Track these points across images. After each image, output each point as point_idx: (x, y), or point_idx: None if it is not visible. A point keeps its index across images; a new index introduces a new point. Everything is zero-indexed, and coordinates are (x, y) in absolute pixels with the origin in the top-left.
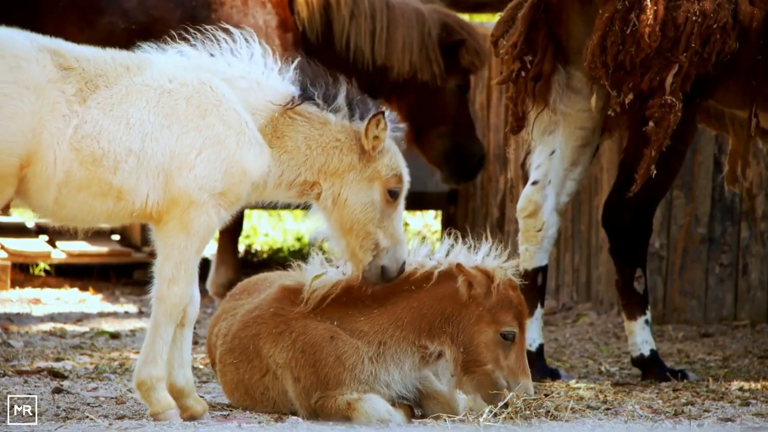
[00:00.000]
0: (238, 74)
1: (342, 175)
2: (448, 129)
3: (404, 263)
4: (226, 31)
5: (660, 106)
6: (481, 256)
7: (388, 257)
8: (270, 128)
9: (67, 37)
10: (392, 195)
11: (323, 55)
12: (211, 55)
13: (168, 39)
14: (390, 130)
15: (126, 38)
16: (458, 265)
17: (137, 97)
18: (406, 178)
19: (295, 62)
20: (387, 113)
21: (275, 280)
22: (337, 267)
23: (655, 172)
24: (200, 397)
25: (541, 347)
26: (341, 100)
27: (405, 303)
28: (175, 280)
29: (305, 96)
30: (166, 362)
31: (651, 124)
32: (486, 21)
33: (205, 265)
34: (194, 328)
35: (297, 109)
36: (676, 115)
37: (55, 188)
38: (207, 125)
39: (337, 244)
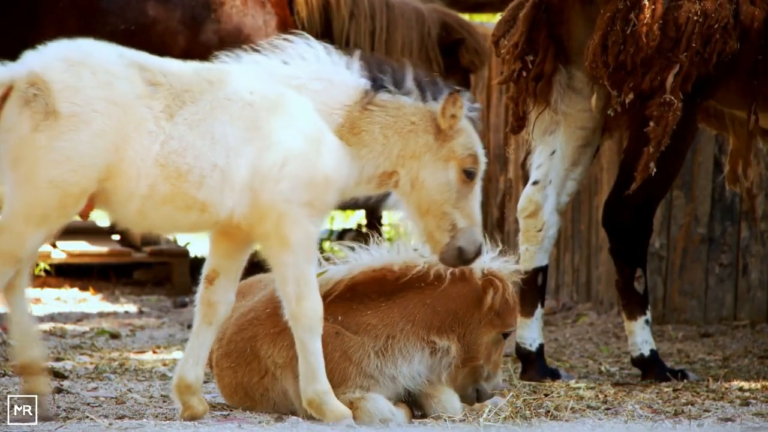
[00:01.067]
0: (311, 78)
1: (419, 157)
2: None
3: (481, 245)
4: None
5: (660, 105)
6: (488, 257)
7: (464, 238)
8: (347, 126)
9: (66, 37)
10: (468, 175)
11: None
12: (285, 62)
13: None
14: (466, 109)
15: (126, 39)
16: (491, 277)
17: (221, 112)
18: (483, 158)
19: (358, 53)
20: (462, 92)
21: (270, 281)
22: (335, 264)
23: (654, 170)
24: (203, 397)
25: (541, 347)
26: (410, 82)
27: (417, 299)
28: (301, 296)
29: (377, 85)
30: (185, 354)
31: (651, 123)
32: (486, 21)
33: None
34: None
35: (372, 100)
36: (675, 113)
37: (137, 201)
38: (288, 137)
39: (415, 227)
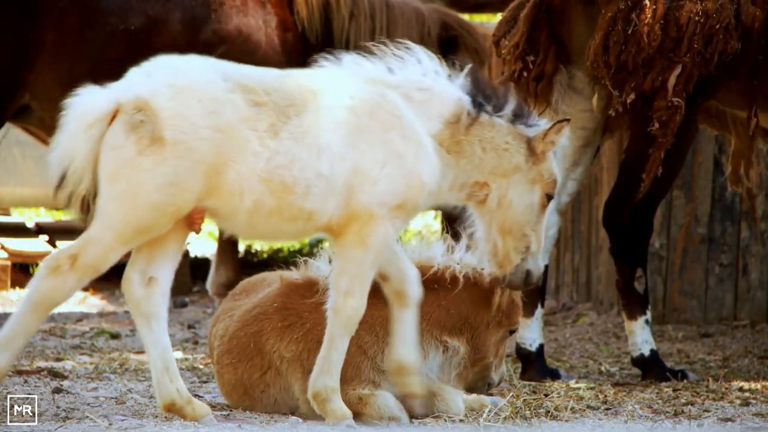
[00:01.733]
0: (412, 84)
1: (508, 177)
2: None
3: (541, 272)
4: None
5: (666, 107)
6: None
7: (532, 262)
8: (447, 133)
9: (67, 37)
10: (548, 199)
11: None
12: (388, 67)
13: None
14: (565, 138)
15: (126, 38)
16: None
17: (325, 121)
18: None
19: (467, 69)
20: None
21: (274, 280)
22: None
23: (661, 171)
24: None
25: (541, 347)
26: (510, 105)
27: (433, 298)
28: (351, 292)
29: (476, 102)
30: (389, 342)
31: (656, 125)
32: (486, 21)
33: (205, 264)
34: (194, 327)
35: (474, 116)
36: (681, 115)
37: (244, 215)
38: (388, 140)
39: (488, 244)
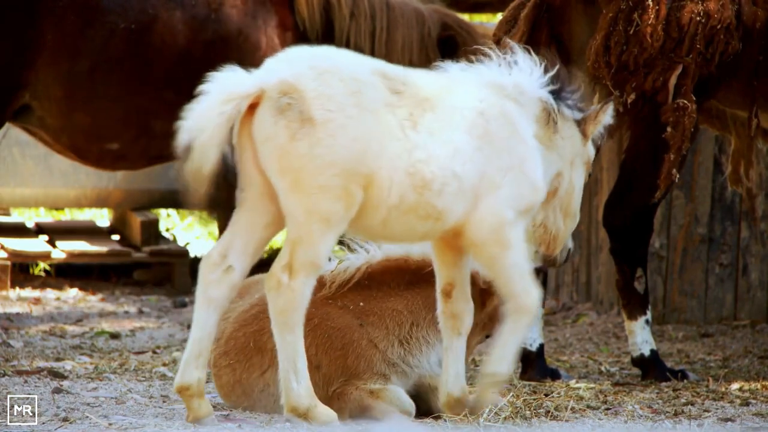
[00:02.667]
0: (518, 89)
1: (572, 162)
2: None
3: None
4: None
5: (674, 110)
6: None
7: (570, 239)
8: (541, 132)
9: (66, 37)
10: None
11: None
12: (499, 71)
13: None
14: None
15: (126, 38)
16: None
17: (457, 120)
18: None
19: (556, 69)
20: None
21: None
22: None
23: (677, 176)
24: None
25: (541, 347)
26: (575, 94)
27: (433, 294)
28: (529, 289)
29: (557, 98)
30: (445, 370)
31: (669, 129)
32: (486, 21)
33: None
34: None
35: (558, 110)
36: (691, 117)
37: (385, 211)
38: (511, 147)
39: (554, 229)
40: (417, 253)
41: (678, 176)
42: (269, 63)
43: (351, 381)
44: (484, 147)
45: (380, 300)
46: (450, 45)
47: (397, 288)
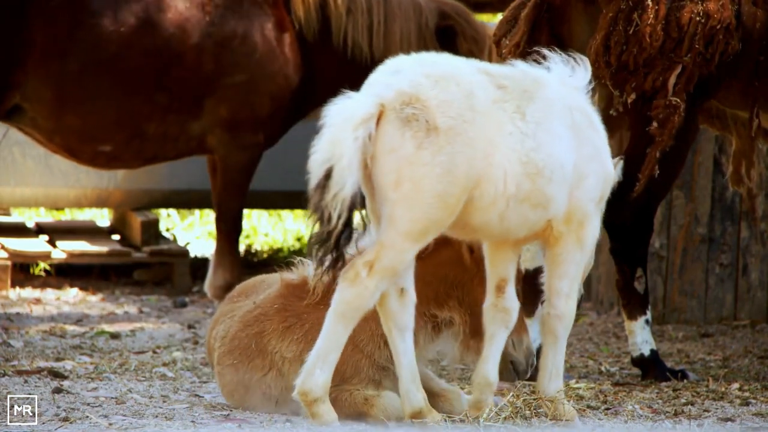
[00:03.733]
0: (580, 81)
1: None
2: None
3: None
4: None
5: (665, 107)
6: None
7: None
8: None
9: (57, 39)
10: None
11: (321, 52)
12: (569, 68)
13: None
14: None
15: (117, 40)
16: None
17: (553, 111)
18: None
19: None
20: None
21: (274, 281)
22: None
23: (658, 172)
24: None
25: (541, 347)
26: None
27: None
28: (570, 295)
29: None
30: (484, 356)
31: (655, 124)
32: (486, 21)
33: (205, 264)
34: (194, 327)
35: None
36: (680, 116)
37: (504, 203)
38: (591, 136)
39: None
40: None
41: (658, 171)
42: (376, 77)
43: (342, 386)
44: (574, 137)
45: None
46: (448, 34)
47: None
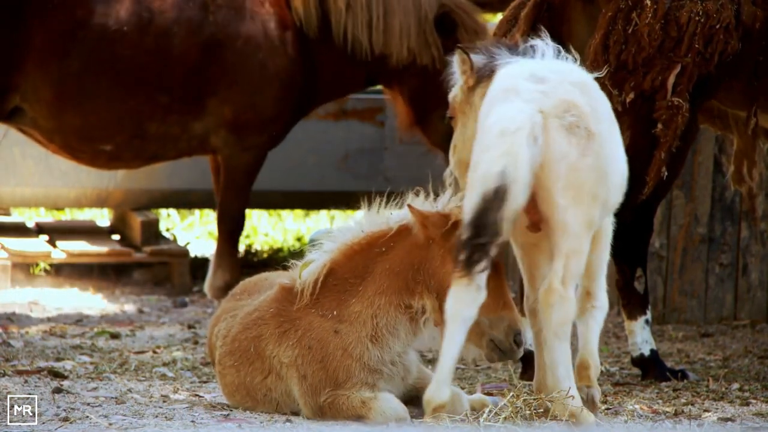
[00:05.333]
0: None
1: None
2: None
3: None
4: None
5: (667, 107)
6: (441, 203)
7: None
8: None
9: (56, 39)
10: None
11: (322, 49)
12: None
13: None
14: None
15: (118, 40)
16: (408, 206)
17: (604, 109)
18: None
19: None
20: None
21: (276, 279)
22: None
23: (666, 173)
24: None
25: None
26: None
27: (380, 268)
28: (603, 288)
29: None
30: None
31: (659, 126)
32: (486, 21)
33: (205, 264)
34: (194, 327)
35: None
36: (684, 116)
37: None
38: (613, 132)
39: None
40: (363, 234)
41: (666, 173)
42: (522, 84)
43: (337, 391)
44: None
45: (346, 303)
46: (449, 26)
47: (354, 283)
